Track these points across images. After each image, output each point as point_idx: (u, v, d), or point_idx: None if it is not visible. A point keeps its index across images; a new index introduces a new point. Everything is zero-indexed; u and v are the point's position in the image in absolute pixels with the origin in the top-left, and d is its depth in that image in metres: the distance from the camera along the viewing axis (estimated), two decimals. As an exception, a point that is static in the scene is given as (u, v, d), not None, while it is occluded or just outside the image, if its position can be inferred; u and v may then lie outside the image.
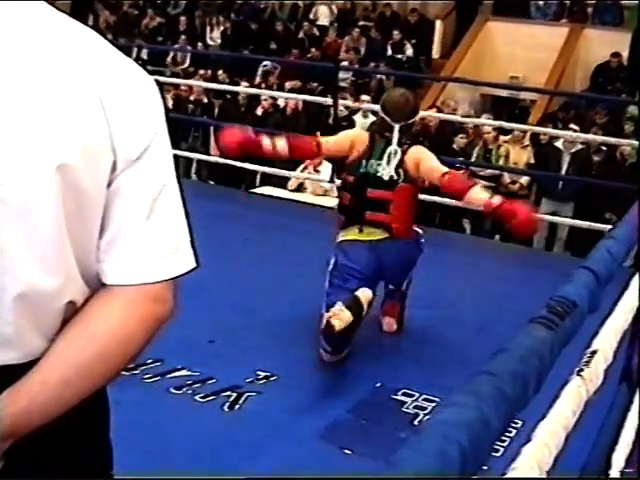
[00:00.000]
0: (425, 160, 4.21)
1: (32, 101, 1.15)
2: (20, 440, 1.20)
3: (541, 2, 14.30)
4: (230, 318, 4.31)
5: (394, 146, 4.16)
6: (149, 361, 3.72)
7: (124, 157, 1.21)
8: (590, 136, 8.81)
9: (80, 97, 1.18)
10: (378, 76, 13.09)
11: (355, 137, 4.31)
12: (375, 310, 4.26)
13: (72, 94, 1.17)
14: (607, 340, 1.82)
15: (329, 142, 4.32)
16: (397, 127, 4.17)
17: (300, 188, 8.69)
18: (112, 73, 1.22)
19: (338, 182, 7.97)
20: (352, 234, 4.17)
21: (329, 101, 8.07)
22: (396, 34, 14.39)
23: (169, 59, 14.86)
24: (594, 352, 1.69)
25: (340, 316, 3.69)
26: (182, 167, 10.65)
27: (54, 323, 1.23)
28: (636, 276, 2.47)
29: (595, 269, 1.45)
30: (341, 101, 7.75)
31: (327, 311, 3.82)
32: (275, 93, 10.80)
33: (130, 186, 1.23)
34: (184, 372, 3.72)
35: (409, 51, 14.34)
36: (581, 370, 1.58)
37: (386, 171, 4.12)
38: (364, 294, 3.88)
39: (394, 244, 4.17)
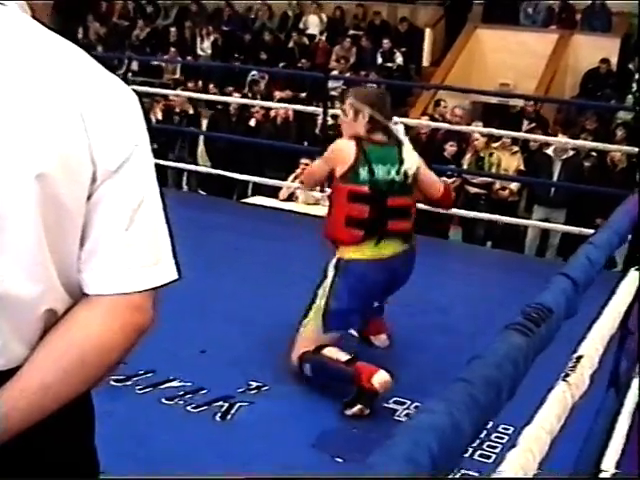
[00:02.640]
0: (424, 167, 4.10)
1: (12, 111, 1.17)
2: (1, 444, 1.21)
3: (530, 9, 14.37)
4: (221, 328, 4.31)
5: (407, 144, 4.01)
6: (141, 372, 3.73)
7: (104, 168, 1.23)
8: (580, 142, 8.85)
9: (60, 109, 1.19)
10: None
11: (334, 154, 4.01)
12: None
13: (52, 106, 1.19)
14: (593, 345, 1.83)
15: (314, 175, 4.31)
16: (392, 123, 4.06)
17: (291, 197, 8.70)
18: (92, 86, 1.24)
19: (329, 191, 8.02)
20: (368, 249, 3.89)
21: (319, 110, 8.11)
22: (386, 43, 14.45)
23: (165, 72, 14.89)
24: (580, 357, 1.71)
25: (386, 385, 3.62)
26: (172, 177, 10.68)
27: (34, 330, 1.25)
28: (623, 281, 2.49)
29: (573, 276, 1.46)
30: (331, 110, 7.76)
31: (346, 329, 3.99)
32: (266, 103, 10.81)
33: (110, 197, 1.24)
34: (176, 383, 3.73)
35: (399, 59, 14.40)
36: (567, 375, 1.59)
37: (401, 174, 3.92)
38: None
39: (409, 255, 4.02)
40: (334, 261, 3.92)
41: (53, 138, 1.18)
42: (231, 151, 10.02)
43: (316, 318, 3.86)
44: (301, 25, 15.83)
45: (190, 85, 12.38)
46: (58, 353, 1.24)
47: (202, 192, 10.54)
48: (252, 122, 10.68)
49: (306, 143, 10.22)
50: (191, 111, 11.05)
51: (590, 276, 1.59)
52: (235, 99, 10.83)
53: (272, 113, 10.84)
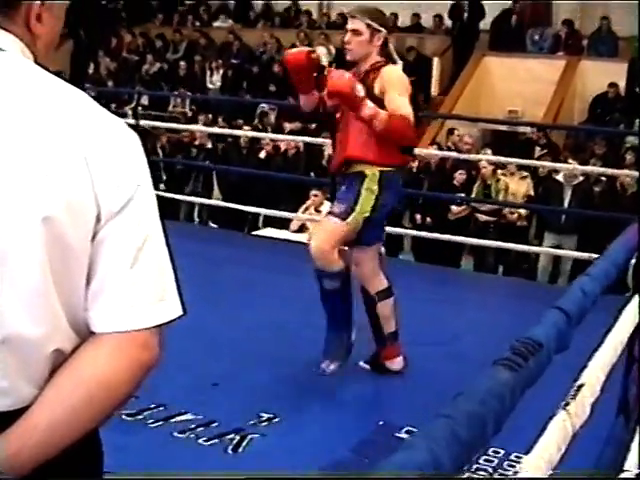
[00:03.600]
0: None
1: (18, 156, 1.20)
2: None
3: (536, 36, 14.44)
4: (233, 361, 4.33)
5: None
6: (152, 406, 3.75)
7: (107, 209, 1.26)
8: (589, 168, 8.86)
9: (64, 153, 1.23)
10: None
11: (405, 81, 4.10)
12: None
13: (57, 150, 1.22)
14: (594, 373, 1.85)
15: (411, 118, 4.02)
16: None
17: (302, 229, 8.75)
18: (95, 130, 1.28)
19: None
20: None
21: (327, 142, 8.15)
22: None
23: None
24: (581, 386, 1.73)
25: None
26: (184, 210, 10.74)
27: (42, 370, 1.27)
28: (626, 308, 2.50)
29: (566, 308, 1.48)
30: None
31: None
32: (274, 135, 10.87)
33: (114, 237, 1.27)
34: (188, 416, 3.74)
35: (407, 89, 14.44)
36: (567, 404, 1.61)
37: None
38: None
39: None
40: (372, 176, 4.01)
41: (58, 182, 1.21)
42: (242, 184, 10.07)
43: (355, 223, 4.01)
44: (310, 57, 15.90)
45: (201, 118, 12.48)
46: (66, 392, 1.26)
47: (213, 225, 10.59)
48: (262, 154, 10.75)
49: (313, 174, 10.28)
50: (209, 145, 11.13)
51: (584, 308, 1.61)
52: (245, 132, 10.89)
53: (282, 145, 10.91)
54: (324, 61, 15.49)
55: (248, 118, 13.09)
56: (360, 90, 3.81)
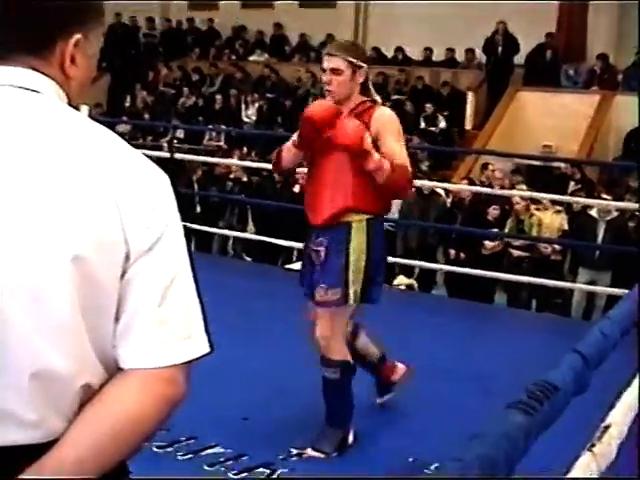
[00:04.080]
0: None
1: (49, 196, 1.24)
2: None
3: (571, 71, 14.46)
4: (263, 395, 4.34)
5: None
6: (182, 438, 3.77)
7: (137, 248, 1.29)
8: (624, 204, 8.81)
9: (95, 194, 1.27)
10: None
11: (399, 126, 3.83)
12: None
13: (87, 191, 1.26)
14: (621, 415, 1.85)
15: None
16: None
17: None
18: (125, 171, 1.31)
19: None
20: None
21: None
22: (429, 107, 14.58)
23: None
24: (607, 427, 1.73)
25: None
26: (218, 243, 10.81)
27: (71, 404, 1.31)
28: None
29: (584, 352, 1.49)
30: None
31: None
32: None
33: (143, 275, 1.31)
34: (217, 449, 3.76)
35: (442, 123, 14.50)
36: (593, 445, 1.61)
37: None
38: None
39: None
40: (357, 225, 3.72)
41: (88, 222, 1.25)
42: (276, 217, 10.13)
43: (356, 286, 3.74)
44: (345, 91, 16.00)
45: (236, 152, 12.58)
46: (93, 427, 1.29)
47: (247, 258, 10.65)
48: (296, 188, 10.80)
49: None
50: (244, 178, 11.22)
51: (603, 351, 1.62)
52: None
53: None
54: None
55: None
56: (368, 139, 3.55)
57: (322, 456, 3.78)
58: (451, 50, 15.98)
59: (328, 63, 3.69)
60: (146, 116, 16.61)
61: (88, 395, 1.32)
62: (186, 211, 10.15)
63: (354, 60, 3.67)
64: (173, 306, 1.32)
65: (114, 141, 1.35)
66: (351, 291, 3.71)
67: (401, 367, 4.31)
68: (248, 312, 5.80)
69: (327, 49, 3.85)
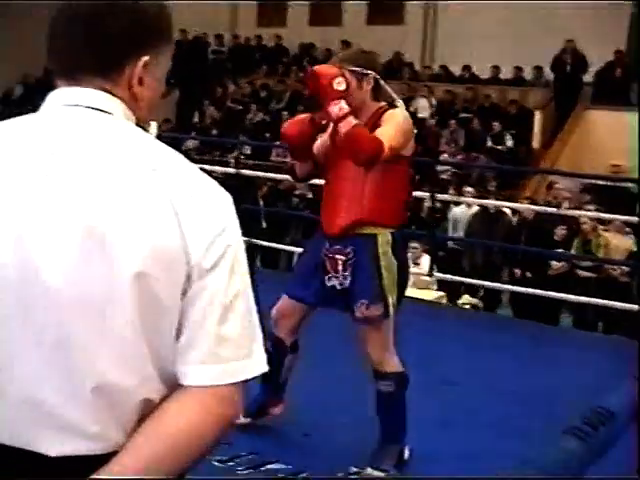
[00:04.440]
0: None
1: (115, 216, 1.28)
2: None
3: (642, 89, 14.26)
4: (325, 414, 4.34)
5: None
6: (243, 453, 3.79)
7: (198, 267, 1.32)
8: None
9: (158, 212, 1.30)
10: (478, 167, 13.21)
11: (410, 127, 3.72)
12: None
13: (150, 209, 1.29)
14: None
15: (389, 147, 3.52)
16: None
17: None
18: (188, 190, 1.34)
19: (438, 275, 8.05)
20: None
21: (426, 195, 8.25)
22: (496, 125, 14.50)
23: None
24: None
25: None
26: (284, 260, 10.86)
27: (131, 418, 1.34)
28: None
29: (644, 377, 1.47)
30: (440, 195, 7.86)
31: None
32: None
33: (204, 294, 1.33)
34: (278, 465, 3.77)
35: (509, 142, 14.41)
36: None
37: None
38: None
39: None
40: (383, 238, 3.68)
41: (151, 240, 1.28)
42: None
43: (393, 298, 3.75)
44: (411, 108, 16.01)
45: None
46: (152, 441, 1.32)
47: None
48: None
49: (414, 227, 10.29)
50: (309, 195, 11.27)
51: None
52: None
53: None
54: (423, 114, 15.63)
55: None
56: (340, 84, 3.47)
57: (382, 475, 3.75)
58: (519, 68, 15.89)
59: None
60: (214, 132, 16.78)
61: (148, 409, 1.35)
62: (252, 227, 10.28)
63: (357, 69, 3.63)
64: (233, 325, 1.34)
65: (179, 161, 1.38)
66: (390, 303, 3.72)
67: (281, 407, 4.19)
68: (310, 330, 5.80)
69: (332, 60, 3.82)
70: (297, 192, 11.36)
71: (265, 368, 1.39)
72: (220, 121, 17.34)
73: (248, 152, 15.33)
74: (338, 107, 3.46)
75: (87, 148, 1.32)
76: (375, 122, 3.61)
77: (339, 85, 3.47)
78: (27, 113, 1.40)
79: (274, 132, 16.15)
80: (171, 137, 16.10)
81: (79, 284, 1.28)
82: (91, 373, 1.30)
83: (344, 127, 3.47)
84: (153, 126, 6.77)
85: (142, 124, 1.46)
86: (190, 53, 18.61)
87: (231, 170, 9.48)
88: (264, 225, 10.86)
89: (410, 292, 8.00)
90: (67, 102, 1.38)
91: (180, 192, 1.32)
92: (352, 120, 3.47)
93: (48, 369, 1.30)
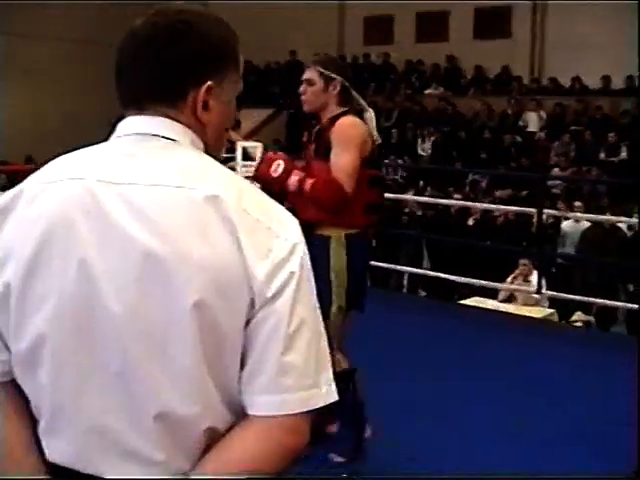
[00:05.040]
0: None
1: (174, 242, 1.29)
2: None
3: None
4: (436, 432, 4.36)
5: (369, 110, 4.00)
6: None
7: (261, 296, 1.30)
8: None
9: (219, 240, 1.29)
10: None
11: (362, 137, 3.76)
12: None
13: (212, 237, 1.29)
14: None
15: (349, 176, 3.68)
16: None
17: (510, 298, 8.73)
18: (251, 217, 1.32)
19: (547, 292, 7.99)
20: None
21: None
22: (611, 136, 14.25)
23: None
24: None
25: None
26: (394, 279, 10.92)
27: (196, 446, 1.34)
28: None
29: None
30: (547, 211, 7.79)
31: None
32: (478, 204, 10.83)
33: (267, 323, 1.31)
34: None
35: (623, 154, 14.14)
36: None
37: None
38: None
39: None
40: (337, 240, 3.79)
41: (210, 267, 1.28)
42: (451, 252, 10.16)
43: (340, 301, 3.80)
44: (520, 123, 15.90)
45: (412, 188, 12.69)
46: (214, 470, 1.33)
47: (423, 293, 10.70)
48: (470, 222, 10.82)
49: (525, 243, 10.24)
50: (419, 213, 11.30)
51: None
52: (455, 201, 10.95)
53: (493, 213, 10.93)
54: (533, 128, 15.46)
55: (459, 185, 13.20)
56: (279, 167, 3.71)
57: (343, 460, 3.91)
58: (630, 78, 15.58)
59: (304, 74, 3.88)
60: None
61: (214, 438, 1.35)
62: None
63: (326, 72, 3.81)
64: (298, 354, 1.32)
65: (243, 187, 1.37)
66: (334, 307, 3.75)
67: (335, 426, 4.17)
68: (421, 347, 5.85)
69: (308, 62, 4.00)
70: (406, 210, 11.40)
71: (334, 398, 1.37)
72: (329, 140, 17.49)
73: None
74: (291, 186, 3.69)
75: (149, 175, 1.33)
76: (330, 127, 3.76)
77: (277, 171, 3.71)
78: None
79: (383, 150, 16.28)
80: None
81: (140, 312, 1.29)
82: (153, 401, 1.31)
83: (307, 195, 3.69)
84: (258, 148, 6.87)
85: (213, 149, 1.46)
86: (298, 74, 18.83)
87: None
88: (374, 244, 10.93)
89: (520, 310, 8.06)
90: (133, 131, 1.41)
91: (242, 218, 1.31)
92: (306, 185, 3.67)
93: (113, 397, 1.32)
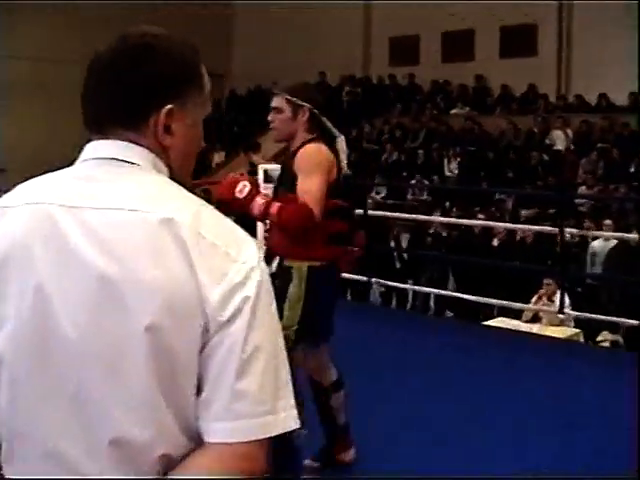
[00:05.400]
0: None
1: (133, 267, 1.28)
2: None
3: None
4: (459, 453, 4.33)
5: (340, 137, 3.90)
6: None
7: (215, 319, 1.28)
8: None
9: (171, 264, 1.28)
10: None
11: (327, 163, 3.69)
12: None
13: (164, 260, 1.28)
14: None
15: (317, 201, 3.62)
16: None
17: (535, 318, 8.66)
18: (205, 239, 1.31)
19: (570, 312, 7.92)
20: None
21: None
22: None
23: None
24: None
25: None
26: (420, 300, 10.89)
27: (151, 473, 1.31)
28: None
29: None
30: (569, 230, 7.73)
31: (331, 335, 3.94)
32: (504, 225, 10.77)
33: (221, 347, 1.29)
34: None
35: (652, 171, 14.03)
36: None
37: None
38: None
39: None
40: (297, 271, 3.72)
41: (163, 291, 1.27)
42: (476, 272, 10.11)
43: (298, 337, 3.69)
44: (547, 141, 15.83)
45: (438, 209, 12.68)
46: None
47: (450, 313, 10.65)
48: (495, 242, 10.77)
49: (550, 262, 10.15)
50: (444, 234, 11.27)
51: None
52: (478, 221, 10.89)
53: (517, 233, 10.88)
54: (559, 146, 15.38)
55: (485, 204, 13.15)
56: (245, 189, 3.64)
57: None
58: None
59: (273, 102, 3.80)
60: (350, 172, 16.94)
61: (170, 465, 1.32)
62: (385, 268, 10.38)
63: (293, 99, 3.74)
64: (252, 381, 1.30)
65: (201, 210, 1.36)
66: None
67: (352, 453, 4.15)
68: (443, 367, 5.83)
69: (274, 89, 3.94)
70: (431, 231, 11.37)
71: (294, 425, 1.34)
72: (356, 162, 17.50)
73: (383, 193, 15.46)
74: (255, 208, 3.62)
75: (107, 199, 1.33)
76: (294, 157, 3.70)
77: (242, 192, 3.63)
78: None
79: (409, 171, 16.28)
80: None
81: (93, 336, 1.28)
82: (107, 427, 1.29)
83: (272, 219, 3.66)
84: (276, 169, 6.75)
85: (178, 174, 1.45)
86: (325, 96, 18.93)
87: (359, 211, 9.64)
88: (398, 266, 10.92)
89: (544, 330, 7.99)
90: (94, 155, 1.40)
91: (196, 242, 1.30)
92: (271, 209, 3.60)
93: (68, 422, 1.31)
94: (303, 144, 3.72)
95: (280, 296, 3.48)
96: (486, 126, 16.93)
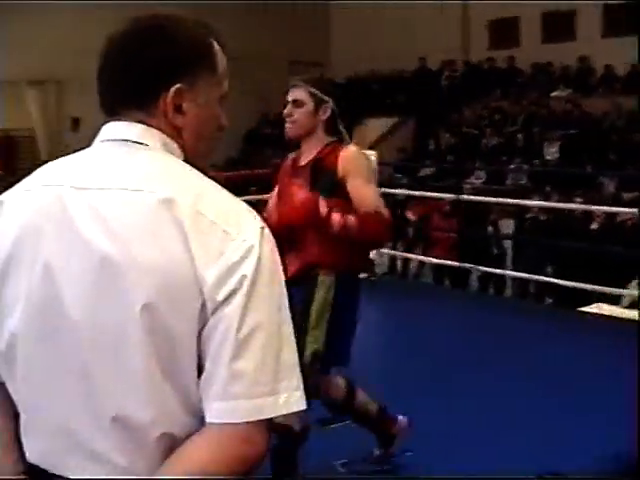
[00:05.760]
0: None
1: (132, 246, 1.30)
2: None
3: None
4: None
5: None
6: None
7: (212, 300, 1.28)
8: None
9: (168, 243, 1.29)
10: None
11: (370, 167, 3.63)
12: None
13: (162, 240, 1.29)
14: None
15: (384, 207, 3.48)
16: None
17: (634, 305, 8.45)
18: (203, 218, 1.31)
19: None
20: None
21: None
22: None
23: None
24: None
25: None
26: (517, 286, 10.73)
27: (154, 453, 1.33)
28: None
29: None
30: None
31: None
32: (599, 207, 10.46)
33: (219, 327, 1.29)
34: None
35: None
36: None
37: None
38: None
39: None
40: (325, 279, 3.52)
41: (159, 270, 1.28)
42: (574, 257, 9.91)
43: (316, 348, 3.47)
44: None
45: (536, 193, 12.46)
46: (172, 476, 1.32)
47: (549, 299, 10.46)
48: (594, 226, 10.52)
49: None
50: (542, 217, 11.07)
51: None
52: (568, 205, 10.59)
53: (618, 216, 10.60)
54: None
55: (587, 188, 12.86)
56: (324, 205, 3.36)
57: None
58: None
59: (290, 95, 3.51)
60: (450, 158, 16.83)
61: (173, 444, 1.33)
62: (481, 253, 10.26)
63: (317, 92, 3.49)
64: (249, 361, 1.28)
65: (204, 189, 1.36)
66: (307, 353, 3.39)
67: (402, 420, 4.00)
68: (528, 355, 5.74)
69: (291, 80, 3.59)
70: (528, 215, 11.18)
71: (299, 406, 1.32)
72: (456, 147, 17.36)
73: (484, 177, 15.29)
74: (335, 224, 3.37)
75: (114, 180, 1.35)
76: (332, 156, 3.49)
77: (322, 213, 3.37)
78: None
79: (509, 155, 16.05)
80: (405, 166, 16.39)
81: (96, 317, 1.30)
82: (109, 404, 1.32)
83: (352, 233, 3.37)
84: (372, 157, 6.73)
85: (193, 155, 1.46)
86: (424, 81, 18.85)
87: (451, 196, 9.60)
88: (495, 252, 10.79)
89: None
90: (107, 137, 1.43)
91: (195, 221, 1.30)
92: (349, 222, 3.36)
93: (75, 399, 1.34)
94: (327, 146, 3.54)
95: (301, 311, 3.40)
96: (587, 108, 16.54)
